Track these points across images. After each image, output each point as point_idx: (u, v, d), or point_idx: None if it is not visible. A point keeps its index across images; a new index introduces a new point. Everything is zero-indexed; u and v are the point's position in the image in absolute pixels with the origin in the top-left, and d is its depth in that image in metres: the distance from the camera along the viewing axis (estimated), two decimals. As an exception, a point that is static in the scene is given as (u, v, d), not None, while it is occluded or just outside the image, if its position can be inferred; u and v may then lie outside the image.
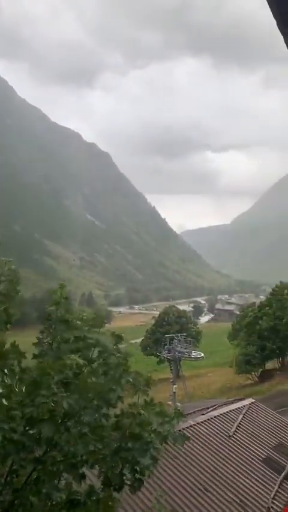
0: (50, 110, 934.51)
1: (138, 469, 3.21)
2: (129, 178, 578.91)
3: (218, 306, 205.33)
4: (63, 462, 3.20)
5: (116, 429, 3.31)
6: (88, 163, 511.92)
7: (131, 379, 3.49)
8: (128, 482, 3.24)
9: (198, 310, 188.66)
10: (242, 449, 13.45)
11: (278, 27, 2.55)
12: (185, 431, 13.43)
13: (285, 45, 2.76)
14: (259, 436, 14.61)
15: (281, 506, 11.24)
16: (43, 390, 3.04)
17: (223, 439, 13.67)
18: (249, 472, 12.32)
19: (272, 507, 10.99)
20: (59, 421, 3.13)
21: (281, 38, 2.72)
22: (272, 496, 11.44)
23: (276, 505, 11.19)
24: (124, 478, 3.22)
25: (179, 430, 12.75)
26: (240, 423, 14.91)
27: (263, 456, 13.42)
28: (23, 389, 3.13)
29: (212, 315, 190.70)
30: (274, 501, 11.30)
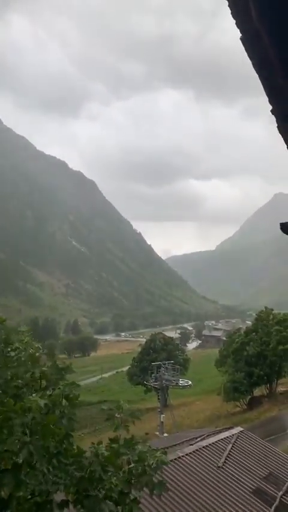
0: (35, 138, 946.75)
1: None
2: (115, 205, 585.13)
3: (205, 332, 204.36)
4: (29, 501, 3.09)
5: (78, 469, 3.14)
6: (74, 190, 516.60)
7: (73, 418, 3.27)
8: None
9: (185, 337, 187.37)
10: (232, 481, 13.17)
11: (254, 69, 2.76)
12: (173, 463, 13.17)
13: (260, 83, 2.97)
14: (249, 467, 14.36)
15: (273, 540, 10.95)
16: (5, 435, 2.89)
17: (212, 471, 13.37)
18: (239, 505, 12.03)
19: None
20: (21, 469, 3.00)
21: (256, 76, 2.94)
22: (263, 529, 11.16)
23: (268, 539, 10.90)
24: None
25: (170, 461, 12.41)
26: (229, 453, 14.66)
27: (253, 487, 13.15)
28: None
29: (200, 341, 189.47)
30: (265, 535, 11.00)
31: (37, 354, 3.82)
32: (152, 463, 3.24)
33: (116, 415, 3.41)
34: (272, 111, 3.04)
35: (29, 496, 3.16)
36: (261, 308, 50.64)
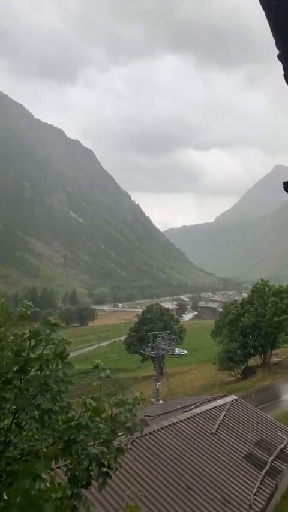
0: (31, 105, 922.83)
1: (105, 462, 3.13)
2: (113, 176, 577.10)
3: (202, 303, 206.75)
4: (19, 460, 3.08)
5: (66, 422, 3.23)
6: (71, 160, 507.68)
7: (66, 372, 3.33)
8: (95, 478, 3.16)
9: (181, 308, 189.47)
10: (225, 447, 13.48)
11: (272, 33, 2.47)
12: (167, 430, 13.40)
13: (274, 48, 2.67)
14: (241, 433, 14.68)
15: (263, 502, 11.29)
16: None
17: (206, 437, 13.66)
18: (232, 469, 12.35)
19: (253, 503, 11.03)
20: (11, 419, 3.10)
21: (266, 40, 2.63)
22: (254, 492, 11.49)
23: (258, 501, 11.24)
24: (92, 473, 3.14)
25: (162, 428, 12.62)
26: (222, 420, 14.95)
27: (245, 453, 13.48)
28: None
29: (196, 313, 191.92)
30: (256, 497, 11.35)
31: (28, 312, 3.71)
32: (131, 402, 3.36)
33: (100, 373, 3.44)
34: (279, 56, 2.73)
35: (19, 456, 3.18)
36: (258, 281, 50.84)
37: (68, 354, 3.50)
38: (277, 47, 2.66)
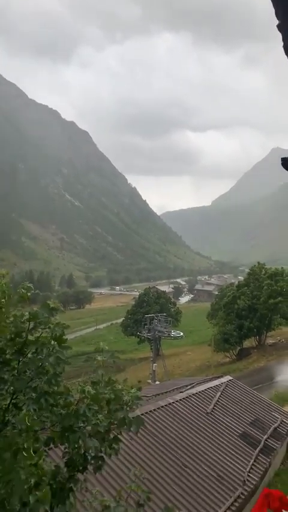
0: (25, 85, 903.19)
1: (102, 449, 3.16)
2: (109, 158, 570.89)
3: (198, 286, 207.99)
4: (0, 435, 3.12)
5: (64, 406, 3.24)
6: (67, 142, 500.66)
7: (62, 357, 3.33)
8: (92, 462, 3.18)
9: (178, 291, 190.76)
10: (220, 426, 13.73)
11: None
12: (164, 409, 13.60)
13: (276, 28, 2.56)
14: (236, 413, 14.93)
15: (256, 479, 11.58)
16: None
17: (201, 416, 13.90)
18: (226, 448, 12.61)
19: (247, 480, 11.30)
20: (9, 399, 3.10)
21: (267, 17, 2.51)
22: (247, 469, 11.77)
23: (252, 478, 11.52)
24: (88, 458, 3.17)
25: (158, 408, 12.74)
26: (218, 400, 15.18)
27: (239, 432, 13.75)
28: None
29: (192, 296, 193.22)
30: (250, 474, 11.62)
31: (29, 294, 3.67)
32: (127, 400, 3.33)
33: (98, 357, 3.40)
34: (279, 26, 2.61)
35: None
36: (254, 264, 51.02)
37: (66, 339, 3.48)
38: (277, 16, 2.54)
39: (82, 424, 3.19)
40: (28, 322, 3.43)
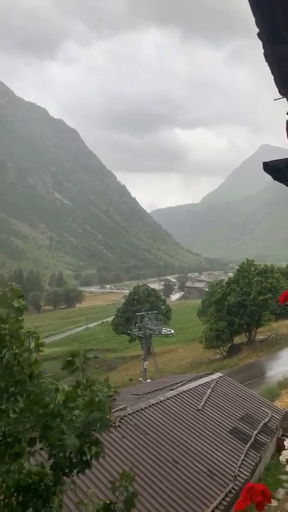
0: (12, 83, 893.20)
1: (86, 451, 3.14)
2: (98, 156, 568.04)
3: (188, 283, 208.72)
4: (0, 442, 3.10)
5: (42, 407, 3.19)
6: (55, 140, 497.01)
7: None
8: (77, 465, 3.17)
9: (168, 289, 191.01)
10: (211, 422, 13.85)
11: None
12: (155, 407, 13.65)
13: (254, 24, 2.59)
14: (227, 409, 15.07)
15: (247, 474, 11.72)
16: None
17: (192, 413, 14.00)
18: (217, 443, 12.73)
19: (238, 475, 11.43)
20: None
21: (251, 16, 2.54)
22: (238, 464, 11.90)
23: (243, 473, 11.66)
24: (74, 460, 3.15)
25: (149, 406, 12.79)
26: (208, 397, 15.30)
27: (230, 427, 13.88)
28: None
29: (183, 293, 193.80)
30: (241, 469, 11.76)
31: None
32: (99, 400, 3.28)
33: (77, 362, 3.36)
34: (259, 35, 2.66)
35: (0, 438, 3.16)
36: (243, 261, 51.39)
37: (43, 342, 3.41)
38: (256, 25, 2.60)
39: (59, 422, 3.16)
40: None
